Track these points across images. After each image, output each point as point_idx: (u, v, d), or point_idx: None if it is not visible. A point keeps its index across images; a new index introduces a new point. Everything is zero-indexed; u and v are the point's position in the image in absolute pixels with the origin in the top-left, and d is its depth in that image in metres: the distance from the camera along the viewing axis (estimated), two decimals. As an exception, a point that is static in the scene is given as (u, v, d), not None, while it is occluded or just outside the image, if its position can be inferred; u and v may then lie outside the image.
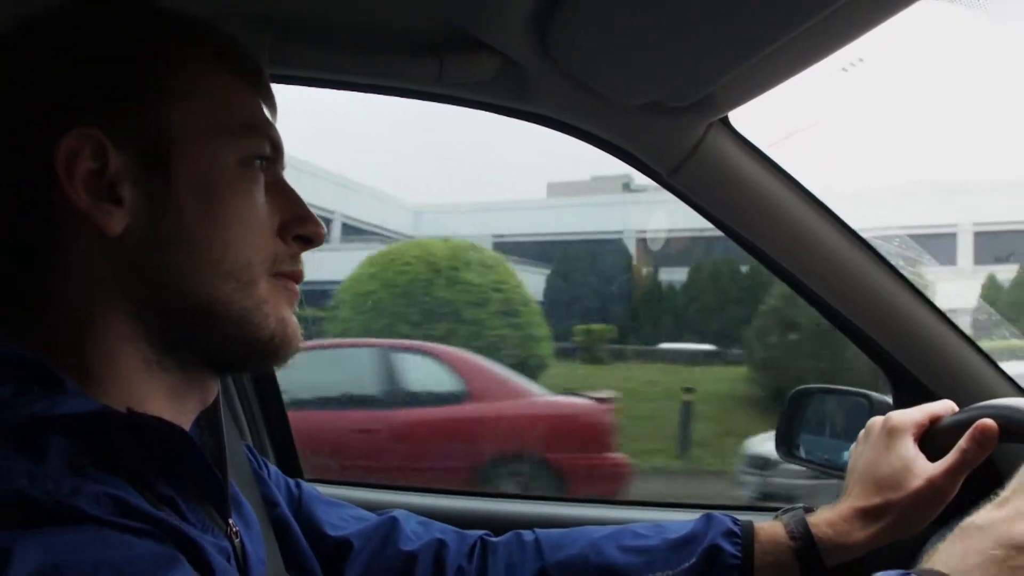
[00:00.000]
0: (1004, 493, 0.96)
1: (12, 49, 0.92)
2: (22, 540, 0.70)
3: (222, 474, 1.00)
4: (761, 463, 8.58)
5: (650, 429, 12.27)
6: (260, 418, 2.05)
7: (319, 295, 12.48)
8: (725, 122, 1.45)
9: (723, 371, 14.71)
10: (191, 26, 0.97)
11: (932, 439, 1.25)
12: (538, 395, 9.04)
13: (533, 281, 21.16)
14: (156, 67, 0.92)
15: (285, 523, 1.28)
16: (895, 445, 1.25)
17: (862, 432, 1.33)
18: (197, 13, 0.98)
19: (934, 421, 1.27)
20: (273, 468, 1.37)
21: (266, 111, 1.01)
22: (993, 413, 1.18)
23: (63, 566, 0.70)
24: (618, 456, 8.25)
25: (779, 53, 1.15)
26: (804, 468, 1.64)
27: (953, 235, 18.78)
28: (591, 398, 9.05)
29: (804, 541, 1.25)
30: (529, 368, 12.36)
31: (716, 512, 1.34)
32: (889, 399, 1.56)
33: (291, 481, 1.37)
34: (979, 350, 1.52)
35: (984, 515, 0.94)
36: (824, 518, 1.26)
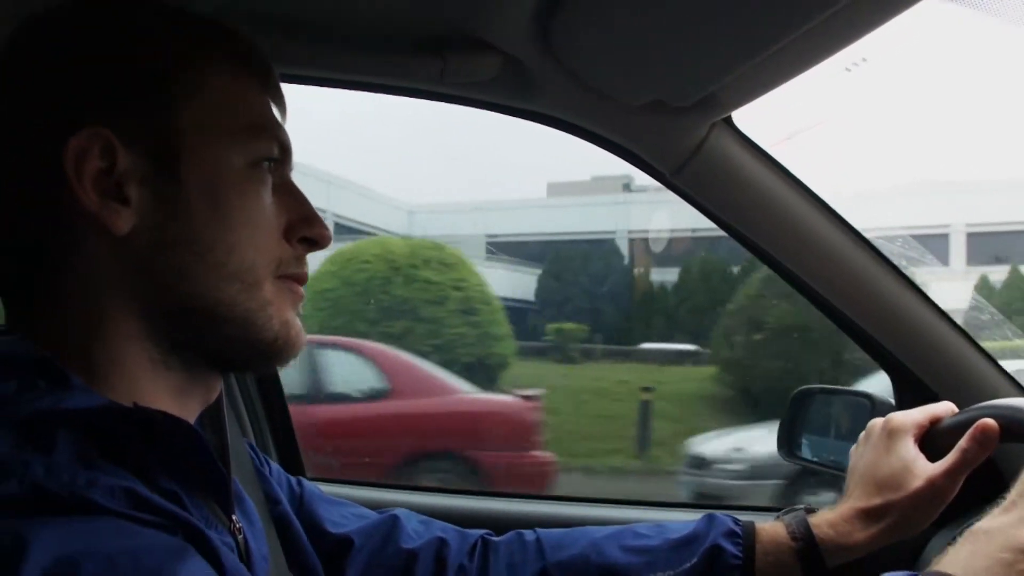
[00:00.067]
0: (1011, 496, 0.97)
1: (21, 48, 0.92)
2: (39, 531, 0.71)
3: (225, 470, 0.99)
4: (698, 463, 8.75)
5: (613, 428, 12.37)
6: (263, 416, 2.05)
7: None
8: (728, 122, 1.45)
9: (698, 371, 14.78)
10: (202, 25, 0.97)
11: (932, 440, 1.25)
12: (464, 392, 9.04)
13: (525, 281, 21.20)
14: (165, 66, 0.92)
15: (287, 520, 1.28)
16: (895, 446, 1.25)
17: (863, 433, 1.33)
18: (200, 12, 0.97)
19: (934, 422, 1.27)
20: (275, 466, 1.37)
21: (275, 111, 1.01)
22: (994, 413, 1.18)
23: (80, 556, 0.71)
24: (542, 454, 8.28)
25: (782, 53, 1.16)
26: (807, 468, 1.64)
27: (946, 236, 18.85)
28: (518, 396, 9.12)
29: (806, 542, 1.25)
30: (488, 367, 12.57)
31: (717, 512, 1.34)
32: (891, 400, 1.56)
33: (293, 479, 1.37)
34: (981, 350, 1.52)
35: (991, 520, 0.95)
36: (825, 519, 1.27)
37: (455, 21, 1.30)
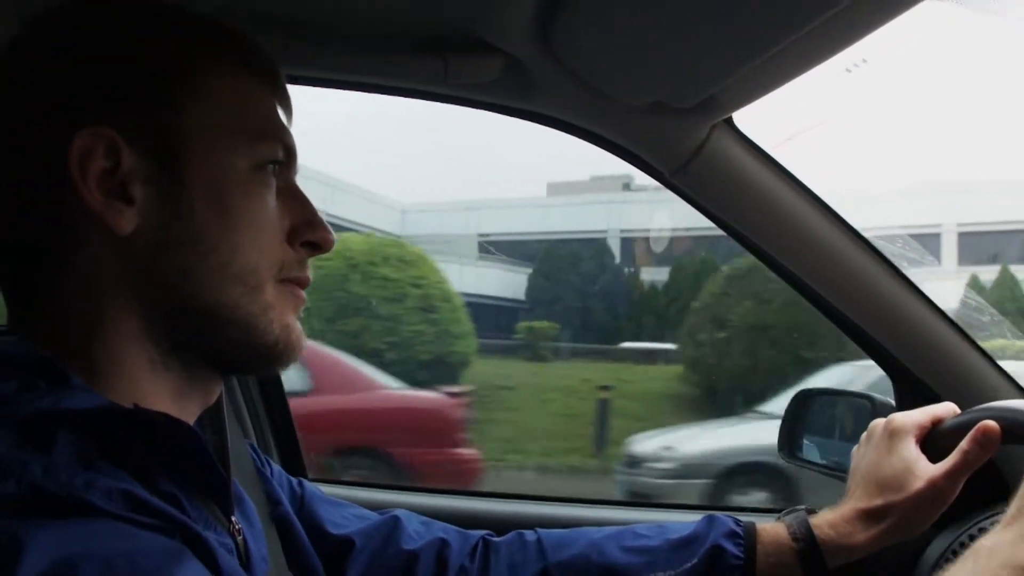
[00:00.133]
0: (1011, 511, 0.97)
1: (24, 47, 0.92)
2: (36, 532, 0.71)
3: (225, 471, 0.99)
4: (632, 462, 8.80)
5: (573, 427, 12.42)
6: (264, 417, 2.05)
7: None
8: (729, 123, 1.45)
9: (669, 369, 14.87)
10: (206, 26, 0.97)
11: (934, 441, 1.26)
12: (390, 389, 9.03)
13: (518, 280, 21.21)
14: (169, 66, 0.92)
15: (287, 521, 1.28)
16: (897, 447, 1.25)
17: (864, 434, 1.34)
18: (203, 12, 0.97)
19: (936, 423, 1.27)
20: (276, 467, 1.37)
21: (281, 114, 1.01)
22: (995, 415, 1.18)
23: (77, 558, 0.71)
24: (467, 451, 8.27)
25: (783, 54, 1.16)
26: (807, 469, 1.64)
27: (937, 235, 18.90)
28: (445, 393, 9.12)
29: (807, 542, 1.26)
30: (447, 364, 12.60)
31: (718, 513, 1.35)
32: (892, 401, 1.56)
33: (294, 480, 1.37)
34: (982, 351, 1.52)
35: (993, 536, 0.95)
36: (826, 519, 1.27)
37: (456, 22, 1.30)
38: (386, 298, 12.38)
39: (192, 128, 0.91)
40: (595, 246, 22.46)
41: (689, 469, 8.43)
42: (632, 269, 22.05)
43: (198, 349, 0.94)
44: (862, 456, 1.31)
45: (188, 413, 0.96)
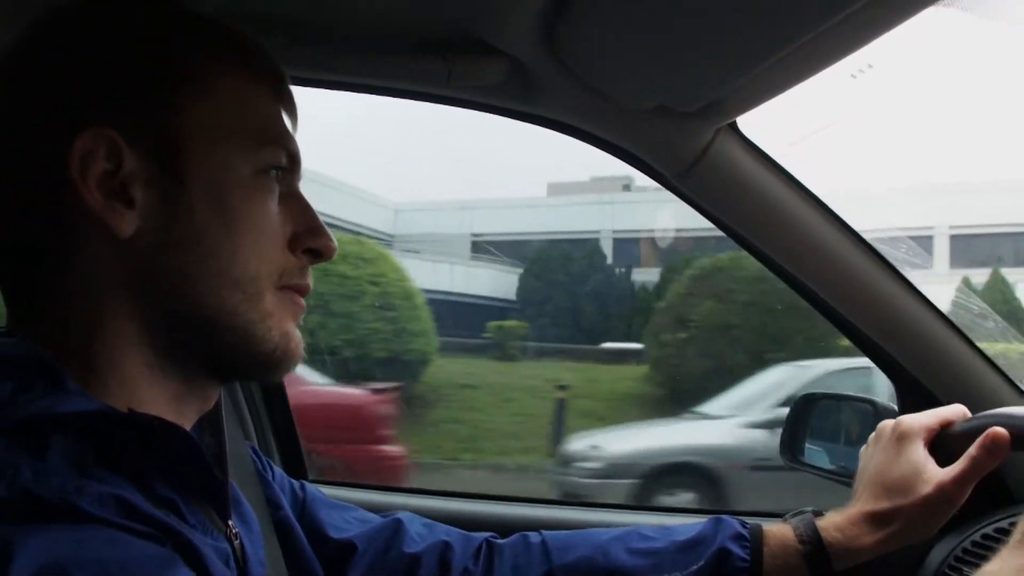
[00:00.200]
0: (1015, 536, 0.98)
1: (27, 48, 0.92)
2: (26, 537, 0.71)
3: (222, 475, 0.99)
4: (564, 461, 8.85)
5: (533, 426, 12.45)
6: (266, 419, 2.05)
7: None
8: (733, 127, 1.45)
9: (638, 369, 14.87)
10: (211, 28, 0.97)
11: (943, 444, 1.24)
12: (314, 385, 8.87)
13: (509, 280, 21.21)
14: (173, 68, 0.92)
15: (288, 525, 1.27)
16: (905, 449, 1.24)
17: (872, 435, 1.32)
18: (206, 14, 0.97)
19: (945, 426, 1.26)
20: (278, 470, 1.36)
21: (286, 120, 1.01)
22: (1005, 422, 1.17)
23: (68, 563, 0.70)
24: (392, 448, 8.20)
25: (788, 59, 1.15)
26: (812, 474, 1.64)
27: (929, 238, 18.93)
28: (370, 389, 9.08)
29: (814, 545, 1.25)
30: (404, 362, 12.63)
31: (724, 515, 1.34)
32: (894, 405, 1.56)
33: (296, 483, 1.37)
34: (985, 356, 1.52)
35: (998, 562, 0.97)
36: (833, 522, 1.26)
37: (460, 25, 1.30)
38: (342, 295, 12.34)
39: (194, 131, 0.91)
40: (587, 247, 22.47)
41: (616, 469, 8.46)
42: (623, 270, 22.06)
43: (196, 354, 0.94)
44: (869, 458, 1.30)
45: (186, 418, 0.96)
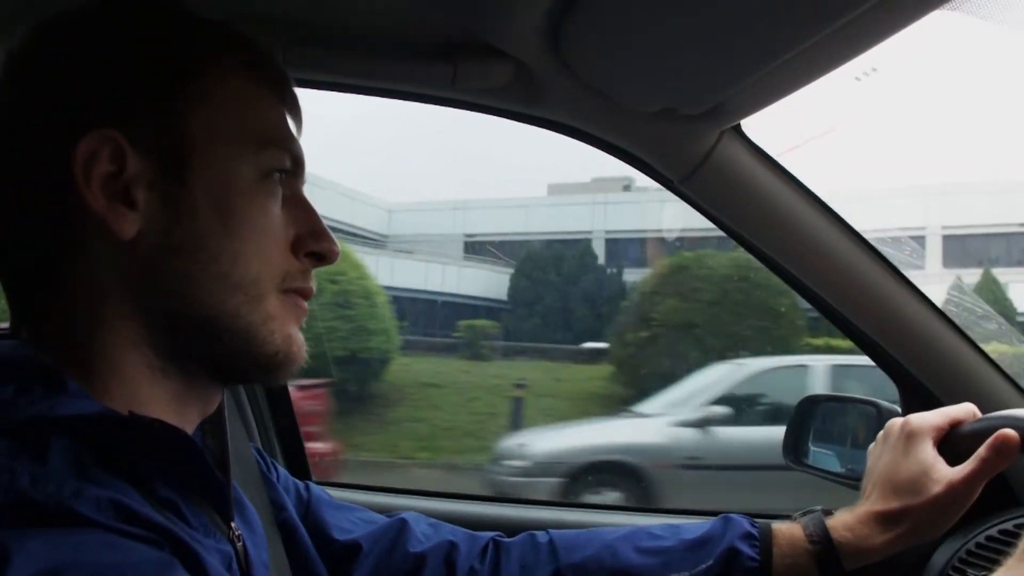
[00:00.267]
0: (1022, 546, 0.98)
1: (33, 49, 0.92)
2: (22, 541, 0.70)
3: (225, 477, 0.99)
4: (495, 460, 8.90)
5: (493, 425, 12.48)
6: (269, 420, 2.05)
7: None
8: (738, 130, 1.45)
9: (606, 368, 14.93)
10: (216, 30, 0.97)
11: (951, 444, 1.24)
12: None
13: (499, 280, 21.22)
14: (177, 70, 0.92)
15: (292, 526, 1.28)
16: (914, 449, 1.24)
17: (880, 434, 1.32)
18: (210, 16, 0.97)
19: (954, 425, 1.26)
20: (282, 471, 1.37)
21: (290, 123, 1.01)
22: (1014, 424, 1.17)
23: (64, 567, 0.70)
24: (321, 445, 8.08)
25: (793, 62, 1.15)
26: (815, 476, 1.64)
27: (922, 238, 18.98)
28: (297, 386, 9.10)
29: (824, 545, 1.25)
30: (362, 361, 12.68)
31: (733, 514, 1.34)
32: (898, 407, 1.56)
33: (300, 484, 1.37)
34: (988, 358, 1.53)
35: (1002, 573, 0.98)
36: (842, 521, 1.26)
37: (466, 28, 1.30)
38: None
39: (198, 133, 0.91)
40: (579, 247, 22.48)
41: (541, 468, 8.51)
42: (615, 270, 22.09)
43: (198, 356, 0.94)
44: (878, 458, 1.29)
45: (187, 420, 0.96)
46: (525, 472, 8.49)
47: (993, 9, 1.36)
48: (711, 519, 1.35)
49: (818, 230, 1.50)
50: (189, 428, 0.96)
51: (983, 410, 1.28)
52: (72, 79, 0.90)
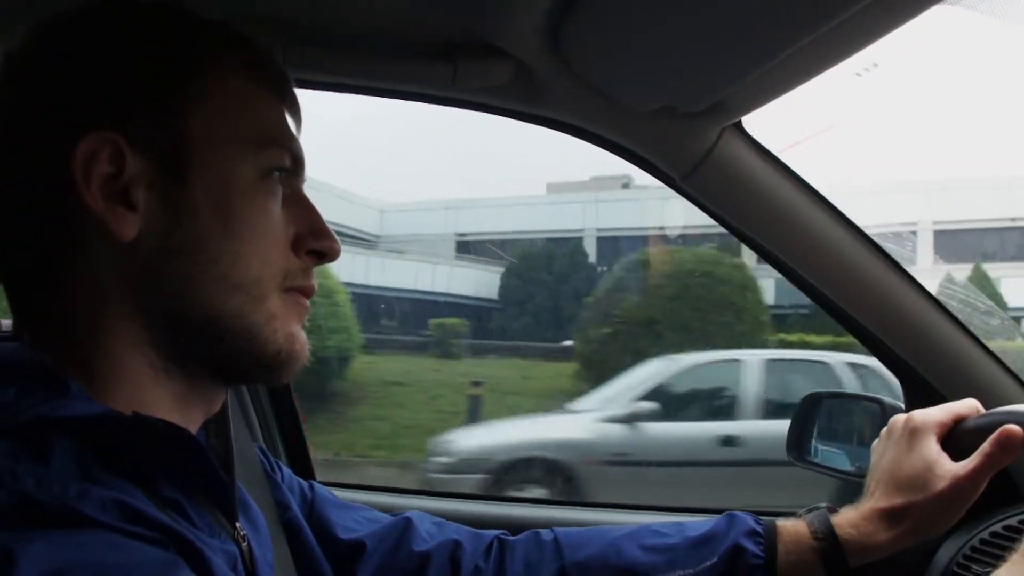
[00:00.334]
0: (1022, 549, 0.99)
1: (33, 50, 0.92)
2: (28, 543, 0.70)
3: (229, 477, 0.99)
4: (429, 455, 8.99)
5: (456, 424, 12.49)
6: (273, 420, 2.05)
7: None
8: (739, 126, 1.45)
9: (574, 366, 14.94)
10: (215, 31, 0.97)
11: (955, 440, 1.24)
12: None
13: (490, 279, 21.25)
14: (177, 71, 0.92)
15: (296, 526, 1.27)
16: (918, 445, 1.24)
17: (884, 431, 1.32)
18: (210, 16, 0.97)
19: (958, 421, 1.26)
20: (286, 470, 1.37)
21: (290, 121, 1.01)
22: (1019, 419, 1.18)
23: (69, 568, 0.70)
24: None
25: (793, 58, 1.15)
26: (816, 472, 1.64)
27: (913, 233, 19.02)
28: None
29: (829, 542, 1.25)
30: (321, 359, 12.70)
31: (738, 511, 1.34)
32: (901, 404, 1.56)
33: (304, 483, 1.37)
34: (991, 354, 1.53)
35: (1007, 569, 0.99)
36: (847, 518, 1.26)
37: (466, 26, 1.30)
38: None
39: (197, 134, 0.90)
40: (570, 245, 22.50)
41: (466, 464, 8.59)
42: (605, 268, 22.12)
43: (200, 357, 0.93)
44: (881, 454, 1.29)
45: (191, 420, 0.96)
46: (449, 469, 8.57)
47: (993, 4, 1.36)
48: (715, 517, 1.34)
49: (820, 226, 1.50)
50: (193, 428, 0.96)
51: (987, 406, 1.28)
52: (72, 79, 0.89)
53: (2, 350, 0.87)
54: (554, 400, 13.39)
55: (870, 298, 1.54)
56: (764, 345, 12.60)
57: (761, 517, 1.31)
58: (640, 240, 18.99)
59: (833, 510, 1.29)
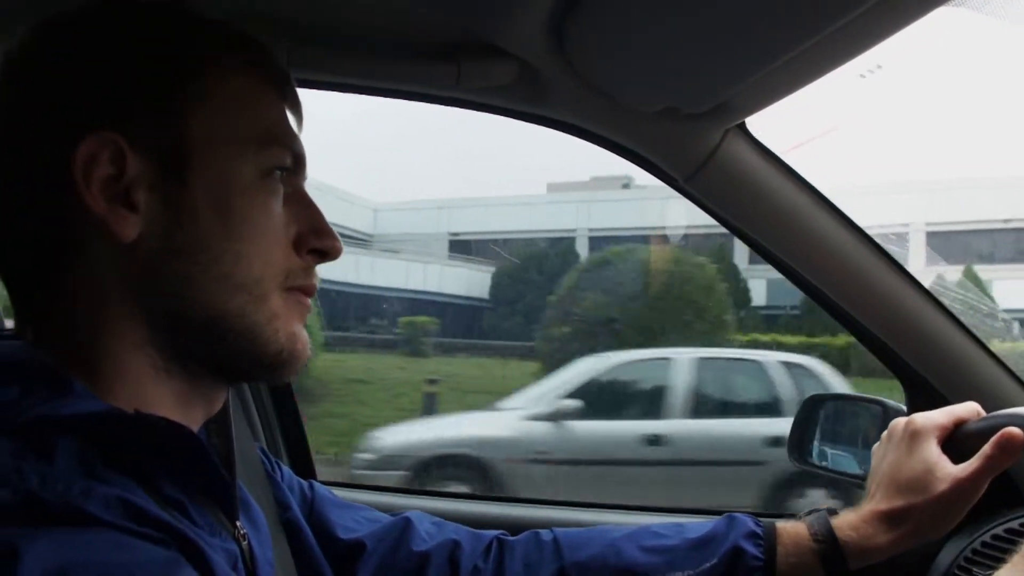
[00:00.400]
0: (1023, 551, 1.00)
1: (33, 50, 0.91)
2: (32, 541, 0.70)
3: (230, 476, 0.99)
4: (356, 451, 8.97)
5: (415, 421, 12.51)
6: (274, 419, 2.05)
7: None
8: (742, 128, 1.44)
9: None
10: (216, 30, 0.97)
11: (956, 443, 1.24)
12: None
13: (480, 279, 21.29)
14: (178, 71, 0.91)
15: (296, 526, 1.27)
16: (918, 448, 1.24)
17: (884, 434, 1.32)
18: (211, 16, 0.97)
19: (959, 424, 1.26)
20: (287, 470, 1.37)
21: (291, 121, 1.00)
22: (1020, 422, 1.18)
23: (72, 566, 0.70)
24: None
25: (798, 59, 1.15)
26: (818, 474, 1.64)
27: (905, 235, 19.07)
28: None
29: (829, 544, 1.25)
30: None
31: (738, 513, 1.34)
32: (903, 406, 1.56)
33: (304, 483, 1.37)
34: (995, 356, 1.53)
35: (1007, 571, 0.99)
36: (847, 521, 1.26)
37: (469, 27, 1.30)
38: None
39: (198, 134, 0.90)
40: (562, 245, 22.53)
41: (387, 460, 8.59)
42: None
43: (202, 356, 0.93)
44: (882, 457, 1.29)
45: (192, 420, 0.95)
46: (372, 465, 8.58)
47: (995, 5, 1.36)
48: (715, 518, 1.34)
49: (823, 228, 1.50)
50: (194, 427, 0.96)
51: (989, 408, 1.28)
52: (72, 80, 0.89)
53: (4, 349, 0.87)
54: (513, 397, 13.52)
55: (873, 300, 1.54)
56: (727, 344, 12.64)
57: (761, 519, 1.32)
58: (633, 240, 19.02)
59: (833, 512, 1.29)
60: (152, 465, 0.85)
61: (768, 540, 1.27)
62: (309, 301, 1.00)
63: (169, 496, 0.85)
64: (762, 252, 1.56)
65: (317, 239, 0.99)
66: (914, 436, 1.25)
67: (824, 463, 1.62)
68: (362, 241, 22.24)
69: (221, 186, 0.91)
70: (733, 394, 9.57)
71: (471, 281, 22.18)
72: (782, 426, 8.22)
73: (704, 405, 9.22)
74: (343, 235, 1.03)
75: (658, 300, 13.31)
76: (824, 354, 10.63)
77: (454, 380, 13.84)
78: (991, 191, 19.23)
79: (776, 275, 1.59)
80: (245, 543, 0.99)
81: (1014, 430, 1.16)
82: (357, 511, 1.37)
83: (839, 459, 1.60)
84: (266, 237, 0.94)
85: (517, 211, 24.57)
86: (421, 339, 17.10)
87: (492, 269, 21.92)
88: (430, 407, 12.42)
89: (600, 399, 9.70)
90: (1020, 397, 1.50)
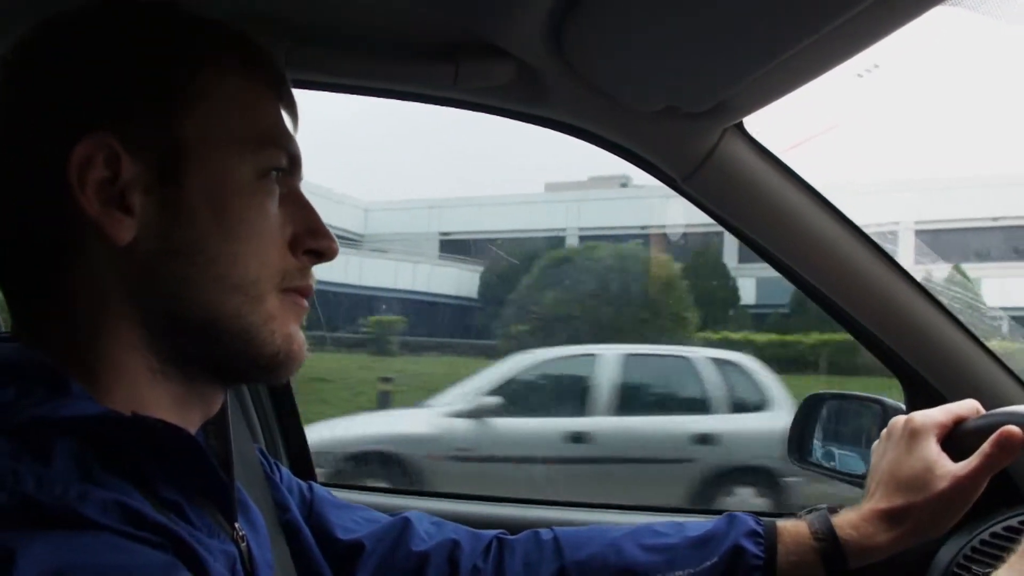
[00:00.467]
0: (1021, 550, 1.00)
1: (29, 51, 0.91)
2: (28, 544, 0.70)
3: (228, 478, 0.99)
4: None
5: None
6: (273, 421, 2.05)
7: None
8: (740, 127, 1.45)
9: None
10: (212, 31, 0.96)
11: (955, 441, 1.24)
12: None
13: (470, 278, 21.28)
14: (173, 73, 0.91)
15: (295, 527, 1.27)
16: (917, 446, 1.24)
17: (884, 432, 1.32)
18: (210, 16, 0.96)
19: (958, 422, 1.26)
20: (285, 471, 1.37)
21: (287, 121, 1.00)
22: (1020, 420, 1.18)
23: (69, 569, 0.70)
24: None
25: (795, 59, 1.15)
26: (819, 473, 1.64)
27: (895, 233, 19.12)
28: None
29: (829, 543, 1.25)
30: None
31: (738, 512, 1.34)
32: (902, 405, 1.56)
33: (304, 484, 1.37)
34: (993, 355, 1.53)
35: (1006, 570, 0.99)
36: (848, 519, 1.26)
37: (468, 27, 1.30)
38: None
39: (194, 135, 0.90)
40: (552, 244, 22.51)
41: (317, 457, 8.49)
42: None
43: (199, 358, 0.93)
44: (881, 455, 1.29)
45: (190, 422, 0.95)
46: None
47: (991, 4, 1.36)
48: (715, 517, 1.35)
49: (821, 227, 1.50)
50: (192, 429, 0.95)
51: (988, 406, 1.28)
52: (71, 80, 0.89)
53: (2, 351, 0.87)
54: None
55: (871, 299, 1.54)
56: (689, 341, 12.63)
57: (761, 518, 1.32)
58: (624, 240, 19.03)
59: (834, 511, 1.29)
60: (150, 467, 0.85)
61: (769, 539, 1.28)
62: (305, 302, 1.00)
63: (166, 499, 0.85)
64: (760, 251, 1.56)
65: (313, 240, 0.99)
66: (913, 434, 1.25)
67: (824, 463, 1.63)
68: (352, 241, 22.20)
69: (217, 187, 0.90)
70: (660, 391, 9.49)
71: (460, 281, 22.14)
72: (710, 423, 8.12)
73: (630, 402, 9.15)
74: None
75: (617, 297, 13.33)
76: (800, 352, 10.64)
77: (417, 379, 13.78)
78: (981, 189, 19.28)
79: (767, 273, 1.58)
80: (244, 545, 0.99)
81: (1013, 428, 1.17)
82: (356, 511, 1.37)
83: (839, 458, 1.60)
84: (262, 238, 0.93)
85: (508, 211, 24.54)
86: (388, 338, 17.05)
87: (481, 268, 21.89)
88: (384, 405, 12.38)
89: (524, 396, 9.63)
90: (1019, 395, 1.51)
